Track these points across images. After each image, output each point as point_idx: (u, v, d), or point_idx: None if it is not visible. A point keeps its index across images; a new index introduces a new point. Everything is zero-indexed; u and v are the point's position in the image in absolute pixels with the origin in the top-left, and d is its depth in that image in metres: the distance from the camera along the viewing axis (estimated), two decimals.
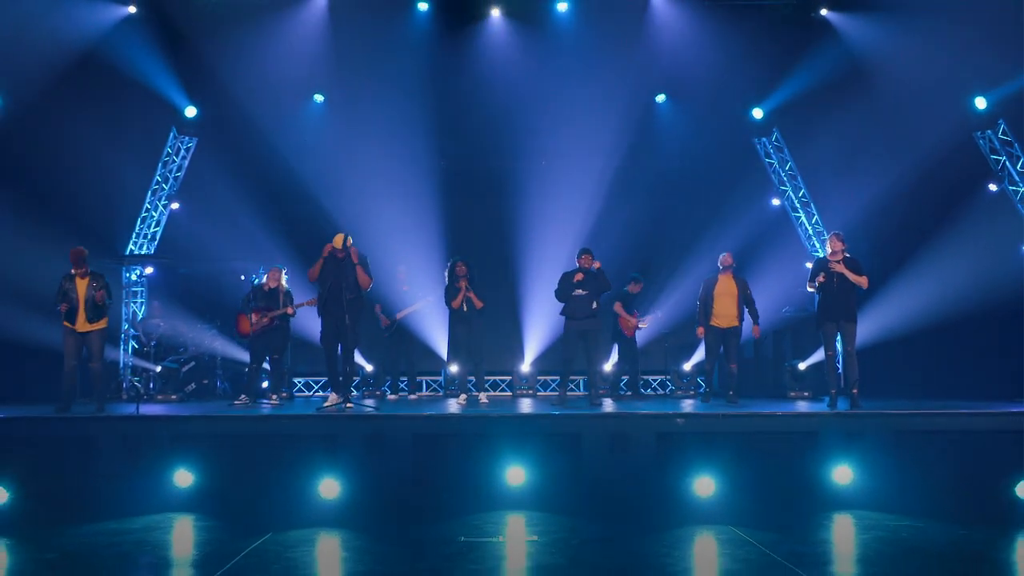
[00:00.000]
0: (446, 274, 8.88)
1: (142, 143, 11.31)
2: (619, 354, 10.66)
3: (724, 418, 6.96)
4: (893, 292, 10.03)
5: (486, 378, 9.58)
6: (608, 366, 11.34)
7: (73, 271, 7.98)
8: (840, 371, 8.17)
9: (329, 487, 6.20)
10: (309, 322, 9.39)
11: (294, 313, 9.25)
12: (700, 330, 8.99)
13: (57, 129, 9.89)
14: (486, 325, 8.99)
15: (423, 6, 11.00)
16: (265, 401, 9.21)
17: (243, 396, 8.96)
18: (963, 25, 9.06)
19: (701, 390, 11.22)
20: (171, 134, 11.56)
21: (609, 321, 10.50)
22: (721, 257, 9.00)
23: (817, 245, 12.04)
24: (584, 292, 8.43)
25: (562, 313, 8.63)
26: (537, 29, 11.18)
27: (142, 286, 11.62)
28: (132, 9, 10.36)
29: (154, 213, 11.65)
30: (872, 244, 10.63)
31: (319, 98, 11.97)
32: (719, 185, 12.34)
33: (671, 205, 12.36)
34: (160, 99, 11.02)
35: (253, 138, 11.32)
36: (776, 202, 12.59)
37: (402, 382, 10.65)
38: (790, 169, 12.23)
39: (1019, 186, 10.29)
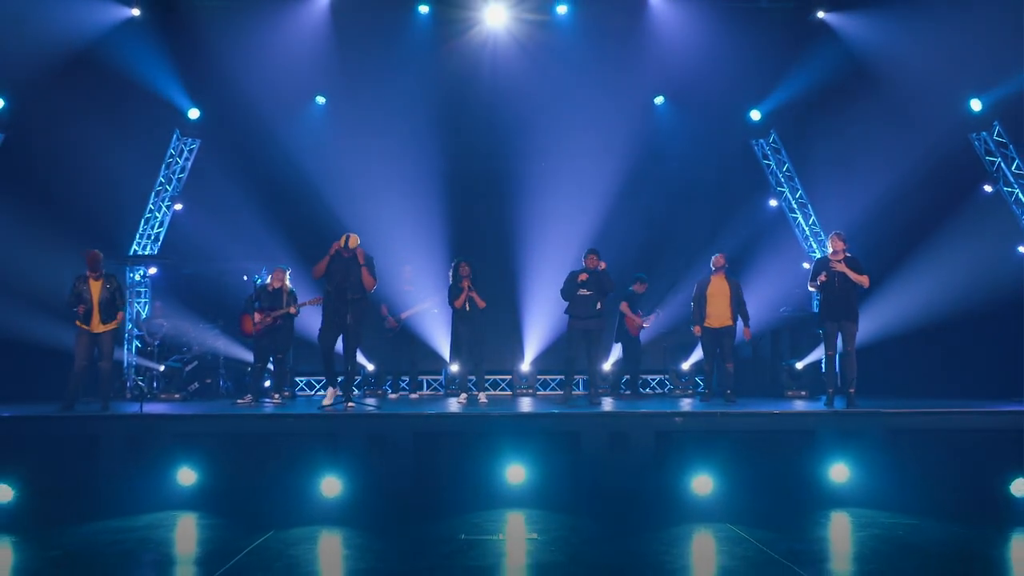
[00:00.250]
0: (450, 274, 8.96)
1: (146, 145, 11.35)
2: (623, 353, 10.72)
3: (722, 417, 7.00)
4: (889, 292, 10.07)
5: (486, 377, 9.64)
6: (608, 365, 11.41)
7: (88, 273, 8.05)
8: (838, 370, 8.20)
9: (331, 485, 6.23)
10: (312, 322, 9.44)
11: (297, 312, 9.30)
12: (696, 329, 9.07)
13: (62, 131, 9.94)
14: (486, 324, 9.05)
15: (424, 9, 11.04)
16: (268, 400, 9.25)
17: (246, 395, 9.01)
18: (959, 28, 9.09)
19: (700, 389, 11.28)
20: (174, 136, 11.61)
21: (614, 321, 10.57)
22: (713, 258, 9.11)
23: (814, 246, 12.09)
24: (588, 292, 8.51)
25: (566, 312, 8.72)
26: (537, 31, 11.21)
27: (146, 286, 11.68)
28: (135, 12, 10.40)
29: (157, 214, 11.71)
30: (869, 244, 10.67)
31: (321, 100, 12.03)
32: (717, 186, 12.41)
33: (670, 206, 12.41)
34: (163, 101, 11.07)
35: (255, 139, 11.40)
36: (773, 203, 12.64)
37: (403, 381, 10.71)
38: (787, 170, 12.28)
39: (1014, 187, 10.33)
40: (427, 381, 12.10)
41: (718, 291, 8.95)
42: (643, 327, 10.62)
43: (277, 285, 9.27)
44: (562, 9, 11.06)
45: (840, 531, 5.81)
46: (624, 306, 10.47)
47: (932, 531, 5.60)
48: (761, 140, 12.38)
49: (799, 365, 10.28)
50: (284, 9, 10.68)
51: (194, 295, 11.41)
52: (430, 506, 6.24)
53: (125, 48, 10.19)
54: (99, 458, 6.53)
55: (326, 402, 7.86)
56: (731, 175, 12.45)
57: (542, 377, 12.10)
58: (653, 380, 12.43)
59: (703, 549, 5.30)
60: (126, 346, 11.24)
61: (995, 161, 10.46)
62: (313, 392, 12.16)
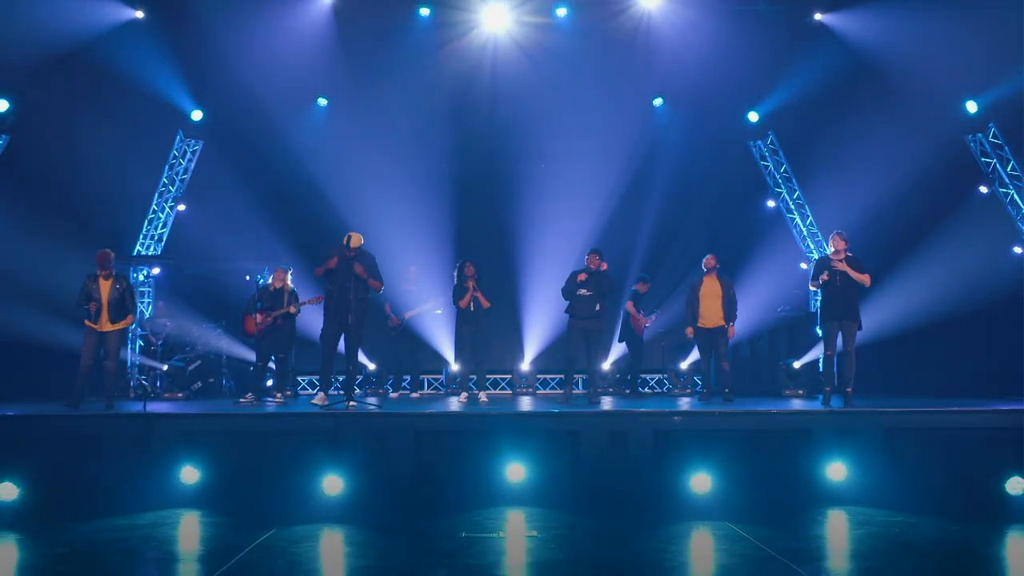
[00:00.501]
0: (455, 274, 9.02)
1: (149, 146, 11.40)
2: (629, 350, 10.78)
3: (720, 416, 7.03)
4: (886, 292, 10.12)
5: (486, 376, 9.69)
6: (607, 364, 11.46)
7: (98, 272, 8.11)
8: (835, 370, 8.24)
9: (333, 483, 6.26)
10: (314, 321, 9.50)
11: (298, 312, 9.35)
12: (689, 331, 9.15)
13: (66, 132, 9.98)
14: (489, 325, 9.11)
15: (425, 11, 11.09)
16: (270, 399, 9.28)
17: (248, 394, 9.05)
18: (955, 31, 9.14)
19: (698, 388, 11.33)
20: (178, 137, 11.67)
21: (614, 321, 10.61)
22: (704, 259, 9.18)
23: (812, 246, 12.15)
24: (588, 292, 8.55)
25: (567, 312, 8.77)
26: (537, 33, 11.26)
27: (149, 286, 11.74)
28: (139, 14, 10.45)
29: (161, 215, 11.78)
30: (865, 244, 10.71)
31: (323, 102, 12.09)
32: (715, 187, 12.45)
33: (668, 206, 12.44)
34: (166, 103, 11.12)
35: (258, 141, 11.45)
36: (771, 204, 12.70)
37: (404, 380, 10.76)
38: (785, 171, 12.33)
39: (1009, 188, 10.39)
40: (428, 380, 12.16)
41: (710, 292, 9.04)
42: (645, 326, 10.69)
43: (278, 285, 9.31)
44: (562, 12, 11.11)
45: (837, 529, 5.84)
46: (630, 305, 10.53)
47: (928, 529, 5.64)
48: (759, 141, 12.43)
49: (797, 364, 10.33)
50: (286, 11, 10.72)
51: (197, 295, 11.47)
52: (431, 504, 6.27)
53: (129, 50, 10.21)
54: (103, 456, 6.55)
55: (316, 401, 7.90)
56: (729, 176, 12.49)
57: (542, 376, 12.15)
58: (652, 379, 12.48)
59: (701, 547, 5.33)
60: (130, 345, 11.29)
61: (991, 162, 10.51)
62: (314, 391, 12.20)
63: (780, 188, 12.42)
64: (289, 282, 9.39)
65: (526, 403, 9.01)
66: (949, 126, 10.41)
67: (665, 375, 12.13)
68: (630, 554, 5.05)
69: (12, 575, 4.77)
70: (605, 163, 11.65)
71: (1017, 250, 10.34)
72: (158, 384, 10.38)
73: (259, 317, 9.15)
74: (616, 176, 11.73)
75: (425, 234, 11.36)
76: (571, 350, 8.82)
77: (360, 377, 10.91)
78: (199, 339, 10.75)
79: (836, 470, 6.51)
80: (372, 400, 9.16)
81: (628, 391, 10.74)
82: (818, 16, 10.90)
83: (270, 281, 9.50)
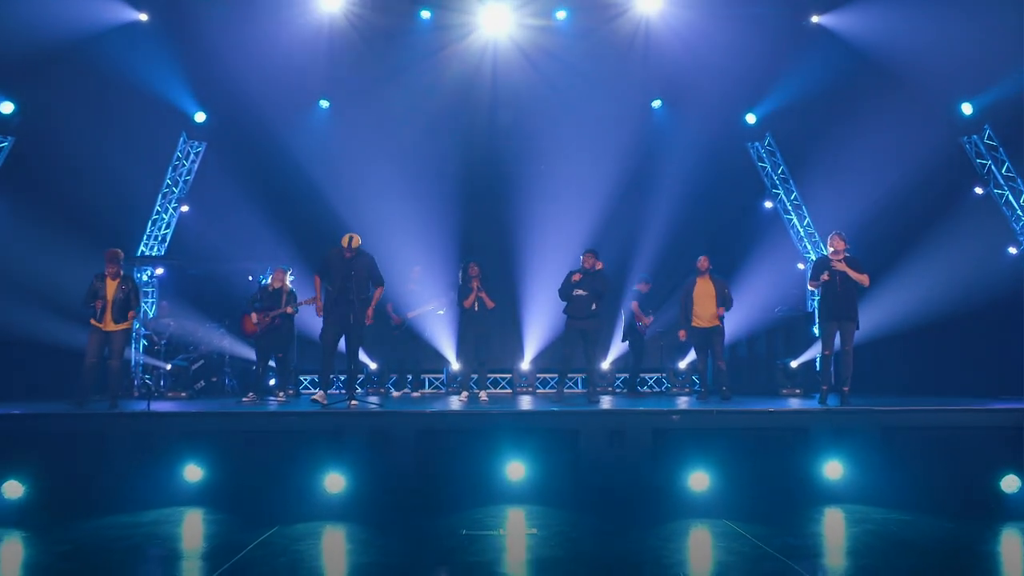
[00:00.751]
0: (459, 274, 9.06)
1: (153, 147, 11.46)
2: (631, 350, 10.82)
3: (718, 414, 7.07)
4: (882, 292, 10.16)
5: (487, 375, 9.74)
6: (606, 364, 11.50)
7: (106, 271, 8.16)
8: (832, 369, 8.30)
9: (334, 481, 6.30)
10: (316, 321, 9.54)
11: (295, 312, 9.40)
12: (682, 333, 9.23)
13: (70, 134, 10.02)
14: (492, 325, 9.16)
15: (425, 14, 11.14)
16: (272, 398, 9.33)
17: (251, 393, 9.11)
18: (951, 33, 9.18)
19: (696, 387, 11.37)
20: (181, 139, 11.74)
21: (612, 321, 10.64)
22: (697, 261, 9.25)
23: (808, 247, 12.20)
24: (584, 293, 8.60)
25: (564, 312, 8.82)
26: (537, 36, 11.30)
27: (153, 286, 11.81)
28: (143, 16, 10.50)
29: (164, 215, 11.84)
30: (862, 245, 10.76)
31: (325, 104, 12.14)
32: (713, 188, 12.47)
33: (667, 207, 12.45)
34: (170, 105, 11.18)
35: (261, 142, 11.49)
36: (769, 205, 12.75)
37: (406, 379, 10.81)
38: (782, 173, 12.38)
39: (1004, 189, 10.44)
40: (429, 380, 12.21)
41: (704, 292, 9.13)
42: (646, 326, 10.74)
43: (277, 285, 9.36)
44: (561, 14, 11.16)
45: (834, 527, 5.88)
46: (635, 305, 10.59)
47: (924, 526, 5.68)
48: (756, 143, 12.49)
49: (794, 364, 10.38)
50: (288, 14, 10.76)
51: (200, 295, 11.51)
52: (432, 502, 6.30)
53: (133, 52, 10.26)
54: (107, 454, 6.59)
55: (315, 398, 7.96)
56: (727, 177, 12.52)
57: (542, 375, 12.20)
58: (651, 379, 12.53)
59: (700, 544, 5.37)
60: (133, 345, 11.35)
61: (986, 163, 10.56)
62: (317, 390, 12.24)
63: (777, 189, 12.47)
64: (288, 283, 9.44)
65: (526, 402, 9.04)
66: (945, 128, 10.46)
67: (664, 374, 12.18)
68: (629, 551, 5.08)
69: (18, 572, 4.82)
70: (604, 164, 11.69)
71: (1012, 250, 10.40)
72: (162, 383, 10.44)
73: (256, 316, 9.20)
74: (615, 177, 11.77)
75: (427, 235, 11.40)
76: (567, 349, 8.89)
77: (362, 376, 10.96)
78: (202, 339, 10.80)
79: (833, 468, 6.55)
80: (374, 399, 9.20)
81: (627, 390, 10.78)
82: (815, 18, 10.94)
83: (269, 281, 9.55)
